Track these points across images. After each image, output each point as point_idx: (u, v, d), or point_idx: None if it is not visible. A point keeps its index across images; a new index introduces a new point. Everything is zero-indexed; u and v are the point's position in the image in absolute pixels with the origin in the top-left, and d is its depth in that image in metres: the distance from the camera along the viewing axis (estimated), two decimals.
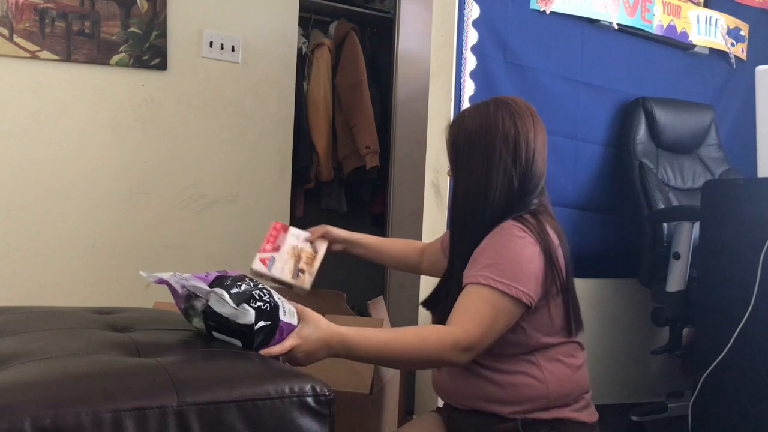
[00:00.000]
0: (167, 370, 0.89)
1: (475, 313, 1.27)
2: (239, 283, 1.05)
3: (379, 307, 1.96)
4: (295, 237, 1.70)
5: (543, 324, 1.35)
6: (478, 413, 1.39)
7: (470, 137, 1.39)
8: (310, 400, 0.92)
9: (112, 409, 0.80)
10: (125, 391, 0.84)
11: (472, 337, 1.25)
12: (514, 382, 1.35)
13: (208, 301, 1.02)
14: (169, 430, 0.83)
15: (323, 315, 1.18)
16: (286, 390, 0.91)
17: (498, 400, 1.36)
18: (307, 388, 0.92)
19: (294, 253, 1.66)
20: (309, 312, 1.16)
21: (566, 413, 1.38)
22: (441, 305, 1.44)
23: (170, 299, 1.11)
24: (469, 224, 1.38)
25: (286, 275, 1.63)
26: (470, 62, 2.46)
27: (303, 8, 3.01)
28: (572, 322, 1.38)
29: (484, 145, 1.37)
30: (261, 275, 1.62)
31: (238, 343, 1.03)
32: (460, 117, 1.44)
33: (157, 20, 2.58)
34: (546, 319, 1.35)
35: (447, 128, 1.47)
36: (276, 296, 1.08)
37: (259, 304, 1.02)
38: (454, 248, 1.44)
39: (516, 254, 1.30)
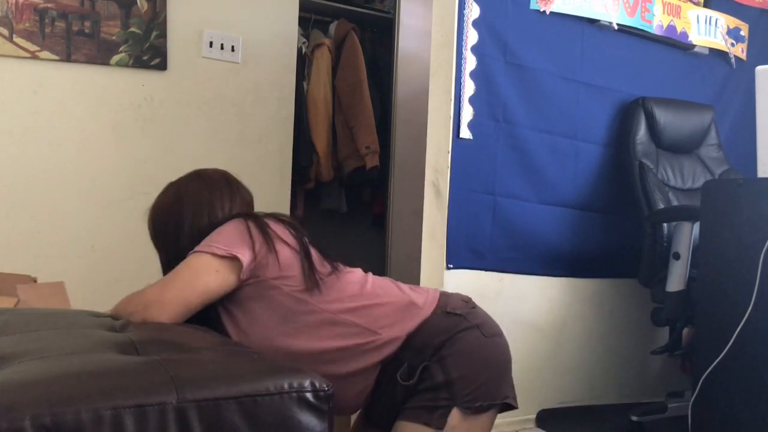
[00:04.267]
0: (166, 368, 0.89)
1: (163, 277, 1.40)
2: None
3: None
4: None
5: (290, 278, 1.39)
6: (378, 403, 1.40)
7: (164, 211, 1.55)
8: (309, 395, 0.92)
9: (111, 406, 0.80)
10: (125, 389, 0.83)
11: (147, 291, 1.35)
12: (337, 342, 1.37)
13: None
14: (168, 427, 0.82)
15: None
16: (285, 386, 0.91)
17: (356, 374, 1.38)
18: (306, 383, 0.92)
19: None
20: None
21: (399, 330, 1.38)
22: None
23: None
24: None
25: None
26: (470, 62, 2.46)
27: (303, 8, 3.01)
28: (312, 269, 1.41)
29: (175, 216, 1.51)
30: None
31: None
32: (159, 197, 1.62)
33: (157, 20, 2.58)
34: (289, 273, 1.39)
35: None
36: None
37: None
38: None
39: (220, 228, 1.41)
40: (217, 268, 1.33)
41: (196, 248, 1.36)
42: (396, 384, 1.36)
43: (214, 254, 1.33)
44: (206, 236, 1.41)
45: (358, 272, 1.49)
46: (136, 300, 1.34)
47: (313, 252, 1.43)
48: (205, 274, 1.33)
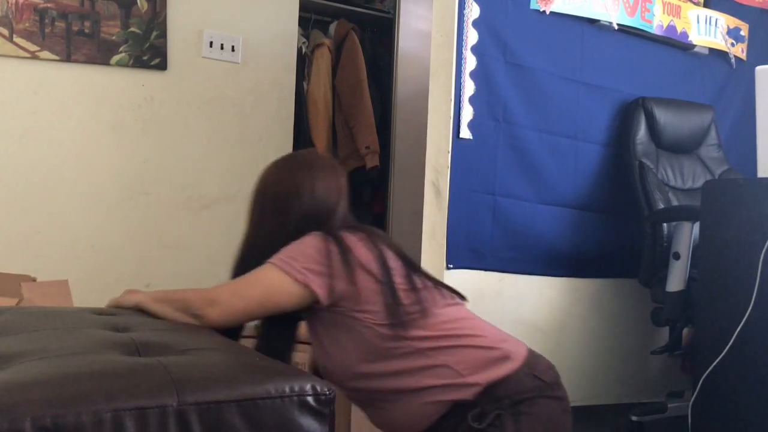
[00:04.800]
0: (167, 370, 0.89)
1: (237, 279, 1.37)
2: None
3: None
4: None
5: (373, 313, 1.34)
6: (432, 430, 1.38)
7: (253, 196, 1.51)
8: (310, 399, 0.91)
9: (112, 408, 0.80)
10: (125, 391, 0.83)
11: (219, 289, 1.34)
12: (422, 382, 1.34)
13: None
14: (169, 429, 0.82)
15: None
16: (287, 389, 0.91)
17: (427, 404, 1.35)
18: (308, 387, 0.92)
19: None
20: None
21: (484, 377, 1.34)
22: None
23: None
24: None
25: None
26: (470, 62, 2.46)
27: (303, 8, 3.01)
28: (397, 304, 1.34)
29: (260, 203, 1.48)
30: None
31: None
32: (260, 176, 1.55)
33: (157, 20, 2.58)
34: (372, 307, 1.34)
35: None
36: None
37: None
38: None
39: (300, 245, 1.35)
40: (290, 291, 1.32)
41: (275, 260, 1.33)
42: (462, 421, 1.33)
43: (290, 275, 1.31)
44: (289, 225, 1.40)
45: (453, 307, 1.43)
46: (205, 294, 1.34)
47: (399, 280, 1.36)
48: (279, 294, 1.32)
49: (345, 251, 1.33)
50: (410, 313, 1.34)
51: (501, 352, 1.38)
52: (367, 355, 1.35)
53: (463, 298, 1.49)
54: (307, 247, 1.34)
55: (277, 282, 1.32)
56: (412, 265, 1.42)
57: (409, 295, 1.36)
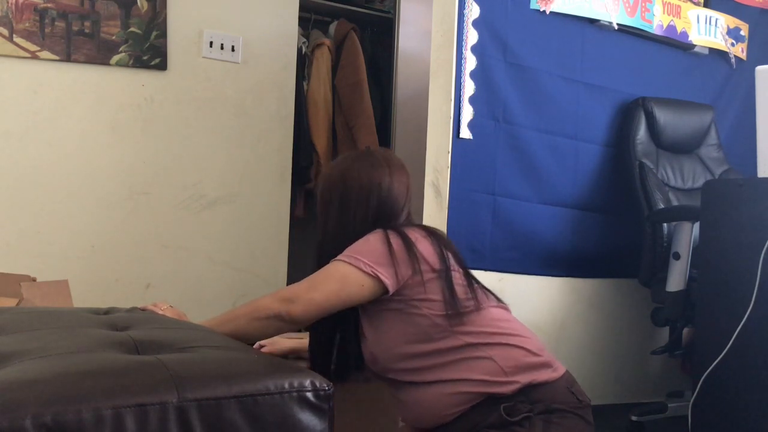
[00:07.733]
0: (167, 367, 0.89)
1: (309, 277, 1.42)
2: None
3: None
4: None
5: (431, 302, 1.41)
6: (461, 418, 1.41)
7: (329, 187, 1.54)
8: (309, 395, 0.92)
9: (112, 405, 0.80)
10: (126, 388, 0.84)
11: (294, 288, 1.41)
12: (463, 374, 1.39)
13: None
14: (169, 426, 0.83)
15: None
16: (286, 385, 0.91)
17: (463, 394, 1.39)
18: (307, 383, 0.92)
19: None
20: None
21: (525, 377, 1.39)
22: None
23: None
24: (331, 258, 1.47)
25: None
26: (470, 62, 2.46)
27: (303, 8, 3.01)
28: (454, 297, 1.42)
29: (340, 194, 1.51)
30: None
31: None
32: (328, 168, 1.63)
33: (157, 20, 2.59)
34: (432, 296, 1.41)
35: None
36: None
37: None
38: None
39: (364, 242, 1.43)
40: (362, 283, 1.39)
41: (342, 257, 1.40)
42: (494, 412, 1.37)
43: (360, 269, 1.38)
44: (367, 216, 1.47)
45: (501, 309, 1.50)
46: (278, 296, 1.41)
47: (458, 277, 1.43)
48: (352, 285, 1.39)
49: (409, 244, 1.41)
50: (465, 307, 1.41)
51: (544, 360, 1.43)
52: (417, 338, 1.41)
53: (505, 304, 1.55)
54: (371, 243, 1.41)
55: (349, 275, 1.39)
56: (466, 266, 1.49)
57: (466, 291, 1.43)
